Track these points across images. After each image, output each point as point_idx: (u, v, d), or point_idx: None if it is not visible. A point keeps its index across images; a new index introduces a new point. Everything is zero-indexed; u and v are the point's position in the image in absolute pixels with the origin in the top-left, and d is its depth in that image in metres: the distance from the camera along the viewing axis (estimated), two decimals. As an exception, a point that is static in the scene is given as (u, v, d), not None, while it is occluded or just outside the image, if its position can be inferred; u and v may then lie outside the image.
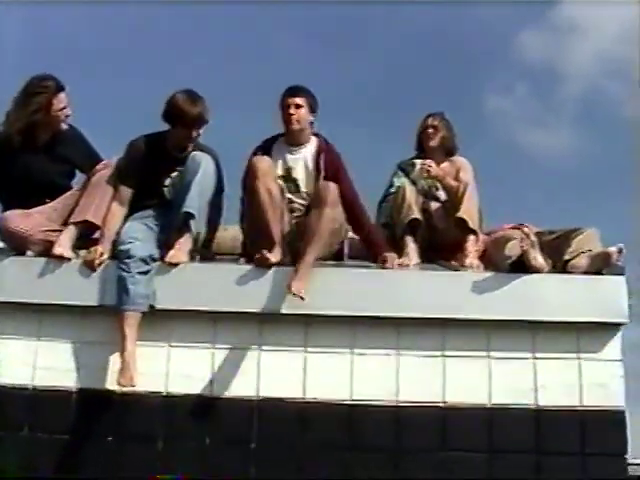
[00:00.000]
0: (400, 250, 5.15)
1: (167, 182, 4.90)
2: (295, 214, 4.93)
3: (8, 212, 4.62)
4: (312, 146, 5.08)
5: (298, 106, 5.02)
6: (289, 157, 5.05)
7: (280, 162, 5.03)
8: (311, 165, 5.01)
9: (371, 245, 5.02)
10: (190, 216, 4.64)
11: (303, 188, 5.01)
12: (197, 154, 4.85)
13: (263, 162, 4.84)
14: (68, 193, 4.77)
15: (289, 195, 4.96)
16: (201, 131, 4.97)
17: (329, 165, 4.98)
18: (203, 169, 4.79)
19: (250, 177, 4.79)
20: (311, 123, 5.09)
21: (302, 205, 4.96)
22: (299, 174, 5.02)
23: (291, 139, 5.08)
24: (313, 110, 5.09)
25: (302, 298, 4.27)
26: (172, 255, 4.51)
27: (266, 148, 5.07)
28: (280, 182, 4.93)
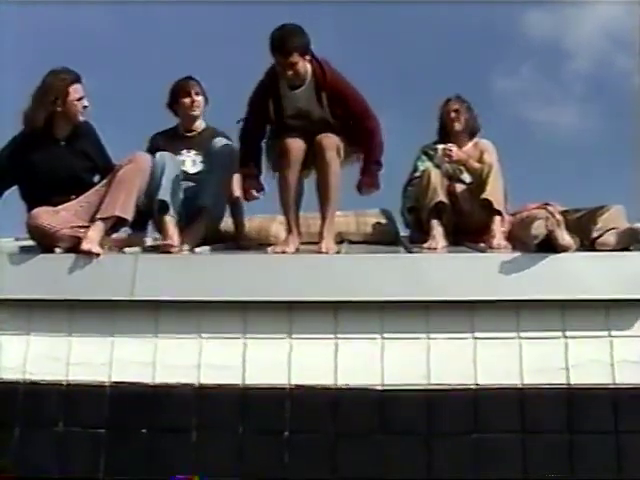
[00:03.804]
0: (427, 234, 5.18)
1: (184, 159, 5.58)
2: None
3: (36, 209, 4.64)
4: (310, 75, 5.11)
5: (292, 64, 4.98)
6: (295, 97, 5.13)
7: (288, 103, 5.14)
8: (316, 96, 5.12)
9: (365, 173, 5.20)
10: (204, 208, 5.23)
11: (317, 117, 5.16)
12: (217, 141, 5.48)
13: (296, 144, 4.99)
14: (94, 189, 4.80)
15: (300, 128, 5.14)
16: (197, 100, 5.79)
17: (331, 92, 5.09)
18: (221, 155, 5.40)
19: (281, 160, 5.01)
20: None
21: (319, 130, 5.11)
22: (309, 109, 5.14)
23: (292, 84, 5.13)
24: (306, 51, 5.02)
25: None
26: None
27: (273, 88, 5.15)
28: (293, 122, 5.12)
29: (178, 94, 5.78)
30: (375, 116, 5.22)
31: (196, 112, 5.80)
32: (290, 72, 4.98)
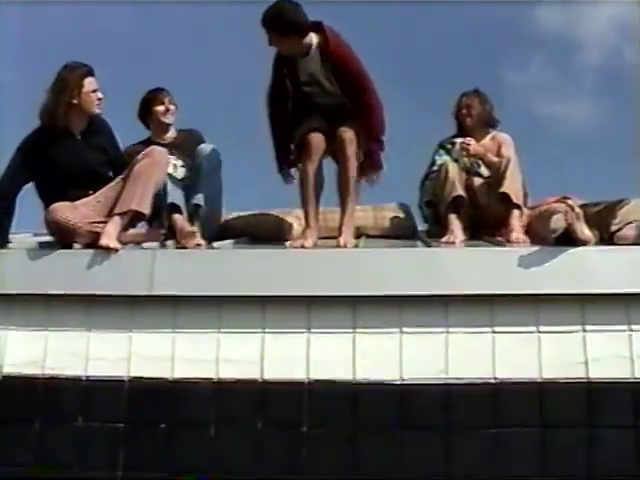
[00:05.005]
0: (444, 228, 5.17)
1: None
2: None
3: (55, 204, 4.66)
4: (315, 44, 5.19)
5: (280, 43, 5.15)
6: (304, 63, 5.22)
7: (301, 70, 5.23)
8: (321, 65, 5.20)
9: (366, 155, 5.23)
10: (199, 207, 5.35)
11: (328, 87, 5.24)
12: (203, 146, 5.68)
13: (316, 139, 5.08)
14: (111, 184, 4.81)
15: (318, 100, 5.27)
16: (171, 108, 5.96)
17: (335, 61, 5.15)
18: (208, 161, 5.59)
19: (302, 153, 5.15)
20: (305, 34, 5.15)
21: (332, 103, 5.24)
22: (320, 76, 5.22)
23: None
24: (291, 29, 5.09)
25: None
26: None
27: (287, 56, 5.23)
28: (308, 89, 5.24)
29: (150, 104, 5.98)
30: (375, 92, 5.25)
31: (169, 120, 5.99)
32: (284, 51, 5.19)
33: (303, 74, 5.22)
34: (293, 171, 5.42)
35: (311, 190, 5.14)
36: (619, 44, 18.27)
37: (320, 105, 5.24)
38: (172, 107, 5.99)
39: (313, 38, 5.14)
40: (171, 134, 6.03)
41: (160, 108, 5.93)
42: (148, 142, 5.87)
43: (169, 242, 5.11)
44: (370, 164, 5.23)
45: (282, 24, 5.04)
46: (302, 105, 5.27)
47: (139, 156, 4.82)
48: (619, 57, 17.71)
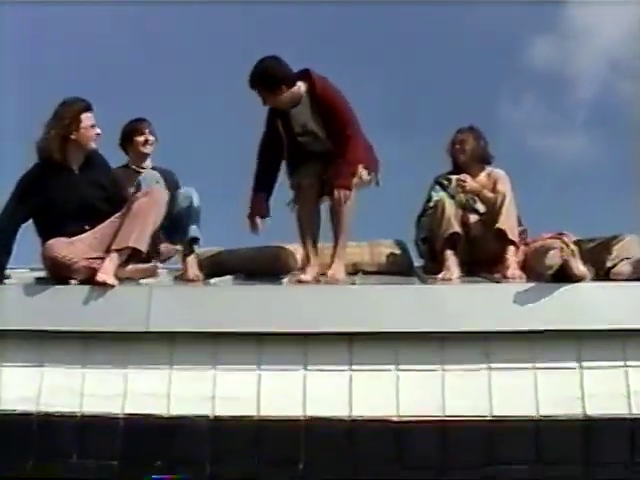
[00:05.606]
0: (441, 264, 5.18)
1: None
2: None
3: (51, 240, 4.67)
4: (304, 92, 5.25)
5: (264, 99, 5.21)
6: (297, 114, 5.27)
7: (294, 121, 5.28)
8: (311, 112, 5.25)
9: (337, 174, 5.14)
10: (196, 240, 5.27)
11: (321, 135, 5.27)
12: (183, 191, 5.44)
13: (310, 184, 5.24)
14: (108, 221, 4.81)
15: (312, 148, 5.31)
16: (151, 138, 6.18)
17: (322, 103, 5.20)
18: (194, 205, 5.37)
19: (297, 196, 5.27)
20: (292, 84, 5.20)
21: (325, 149, 5.25)
22: (312, 125, 5.27)
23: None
24: (279, 82, 5.14)
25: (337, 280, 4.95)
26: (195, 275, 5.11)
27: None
28: (303, 139, 5.29)
29: (132, 133, 6.18)
30: (358, 128, 5.28)
31: (148, 150, 6.20)
32: (271, 105, 5.26)
33: (297, 125, 5.27)
34: (260, 222, 5.33)
35: (308, 227, 5.20)
36: (610, 78, 18.42)
37: (315, 153, 5.28)
38: (152, 138, 6.20)
39: (302, 87, 5.22)
40: (147, 164, 6.21)
41: (140, 139, 6.17)
42: (126, 167, 6.12)
43: (166, 279, 5.12)
44: (342, 184, 5.11)
45: (268, 80, 5.11)
46: (297, 153, 5.32)
47: (139, 194, 4.84)
48: (611, 91, 17.86)
